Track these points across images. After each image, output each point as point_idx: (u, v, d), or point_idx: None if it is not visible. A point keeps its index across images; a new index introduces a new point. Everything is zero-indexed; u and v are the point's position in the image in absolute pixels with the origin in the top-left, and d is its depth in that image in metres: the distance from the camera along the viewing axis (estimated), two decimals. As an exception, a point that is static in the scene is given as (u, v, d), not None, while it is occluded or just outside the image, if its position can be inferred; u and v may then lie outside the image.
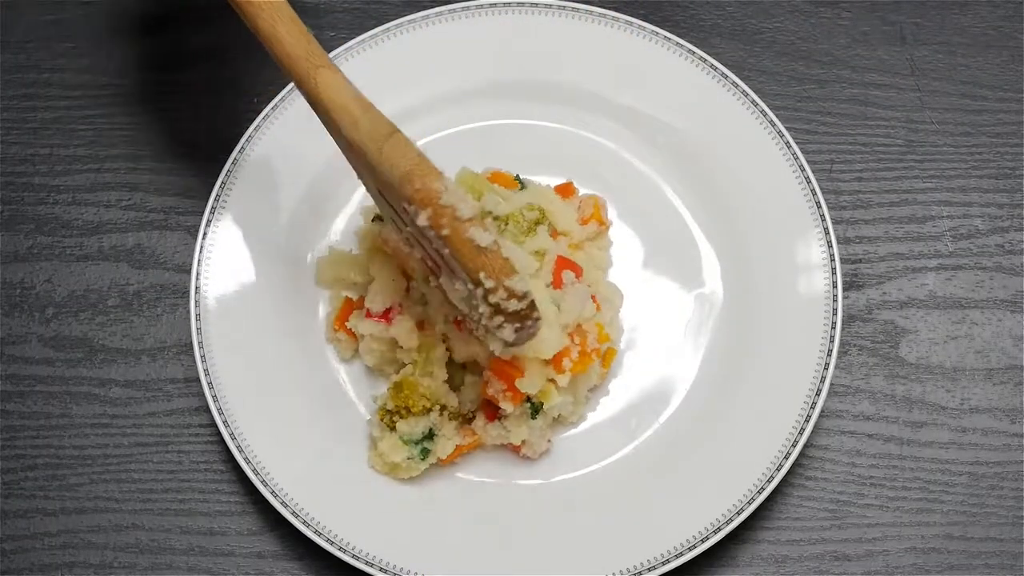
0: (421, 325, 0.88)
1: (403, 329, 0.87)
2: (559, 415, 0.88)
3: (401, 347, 0.88)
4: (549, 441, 0.89)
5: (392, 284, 0.90)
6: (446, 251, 0.75)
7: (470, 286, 0.76)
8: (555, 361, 0.85)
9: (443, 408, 0.86)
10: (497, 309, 0.77)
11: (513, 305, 0.77)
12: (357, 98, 0.78)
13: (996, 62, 1.03)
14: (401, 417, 0.85)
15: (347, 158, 0.83)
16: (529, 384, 0.84)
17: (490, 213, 0.88)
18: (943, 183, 0.99)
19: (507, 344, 0.81)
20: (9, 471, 0.91)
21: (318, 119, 0.97)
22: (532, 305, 0.78)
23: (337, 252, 0.93)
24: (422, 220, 0.74)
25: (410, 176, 0.74)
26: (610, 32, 0.99)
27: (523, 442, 0.87)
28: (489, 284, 0.75)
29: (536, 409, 0.86)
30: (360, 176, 0.84)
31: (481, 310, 0.77)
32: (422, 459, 0.86)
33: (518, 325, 0.78)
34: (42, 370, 0.94)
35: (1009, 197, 0.98)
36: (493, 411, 0.87)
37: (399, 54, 0.99)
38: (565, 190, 0.94)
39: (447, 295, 0.83)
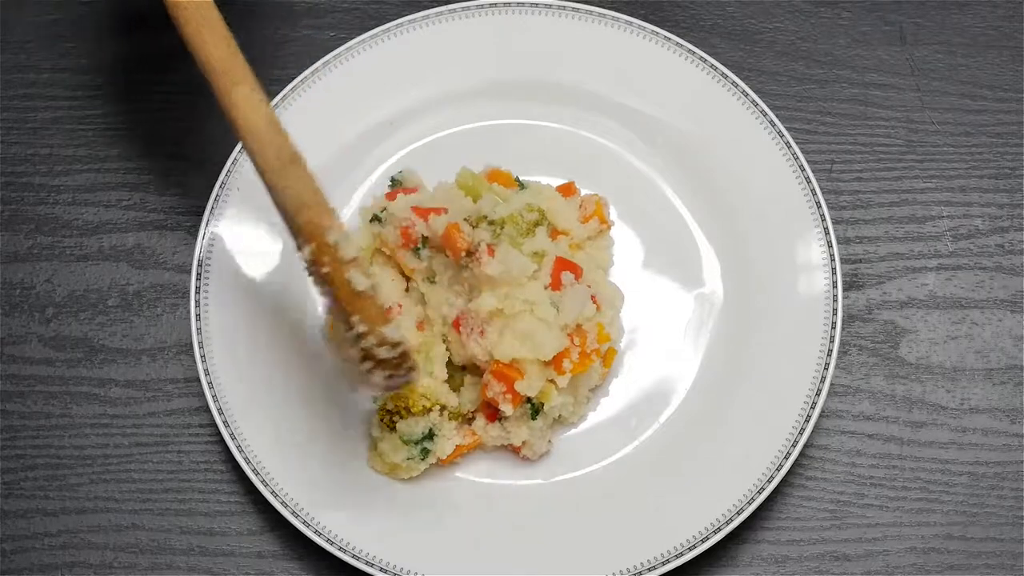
0: (420, 325, 0.88)
1: (404, 329, 0.87)
2: (559, 416, 0.88)
3: None
4: (549, 442, 0.89)
5: (392, 284, 0.90)
6: (326, 288, 0.76)
7: (344, 327, 0.77)
8: (555, 362, 0.85)
9: (443, 408, 0.86)
10: (367, 354, 0.76)
11: (384, 352, 0.76)
12: (269, 122, 0.77)
13: (996, 62, 1.03)
14: (401, 417, 0.85)
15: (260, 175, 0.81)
16: (528, 386, 0.84)
17: (484, 218, 0.88)
18: (943, 183, 0.99)
19: (378, 389, 0.80)
20: (9, 471, 0.91)
21: (317, 119, 0.97)
22: (405, 355, 0.78)
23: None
24: (305, 254, 0.75)
25: (301, 208, 0.75)
26: (610, 32, 0.99)
27: (523, 443, 0.87)
28: (361, 328, 0.75)
29: (536, 410, 0.86)
30: (270, 194, 0.81)
31: (351, 352, 0.77)
32: (422, 459, 0.86)
33: (388, 373, 0.78)
34: (42, 370, 0.94)
35: (1009, 197, 0.98)
36: (493, 412, 0.87)
37: (399, 54, 0.99)
38: (567, 190, 0.94)
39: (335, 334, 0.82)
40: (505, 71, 1.00)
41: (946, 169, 0.99)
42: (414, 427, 0.85)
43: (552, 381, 0.86)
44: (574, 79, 0.99)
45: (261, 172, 0.77)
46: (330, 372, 0.91)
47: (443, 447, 0.86)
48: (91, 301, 0.96)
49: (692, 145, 0.97)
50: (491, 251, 0.86)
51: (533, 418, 0.86)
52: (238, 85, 0.78)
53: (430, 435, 0.86)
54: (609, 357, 0.90)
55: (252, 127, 0.77)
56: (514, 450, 0.88)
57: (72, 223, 0.99)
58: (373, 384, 0.79)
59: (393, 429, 0.86)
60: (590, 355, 0.86)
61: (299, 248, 0.77)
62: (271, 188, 0.77)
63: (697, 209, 0.96)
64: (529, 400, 0.86)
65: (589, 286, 0.88)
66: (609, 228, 0.94)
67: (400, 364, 0.78)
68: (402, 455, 0.85)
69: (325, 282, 0.75)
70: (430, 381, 0.86)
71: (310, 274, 0.78)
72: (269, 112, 0.78)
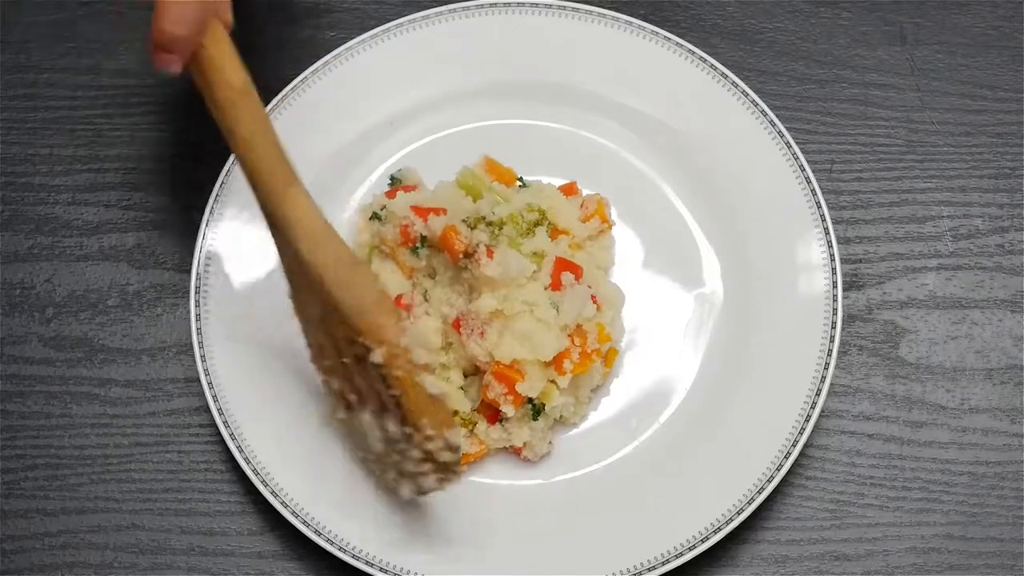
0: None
1: (427, 329, 0.87)
2: (561, 416, 0.88)
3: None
4: (550, 443, 0.88)
5: (394, 277, 0.90)
6: (391, 391, 0.76)
7: (406, 429, 0.77)
8: (556, 363, 0.85)
9: (455, 413, 0.86)
10: (428, 457, 0.77)
11: (446, 456, 0.78)
12: (323, 223, 0.77)
13: (996, 62, 1.03)
14: None
15: (288, 277, 0.81)
16: (529, 387, 0.84)
17: (483, 219, 0.88)
18: (943, 183, 0.99)
19: (417, 491, 0.81)
20: (9, 471, 0.91)
21: (317, 121, 0.97)
22: (459, 460, 0.79)
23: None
24: (376, 357, 0.74)
25: (372, 311, 0.74)
26: (610, 32, 0.99)
27: (524, 444, 0.87)
28: (429, 432, 0.76)
29: (537, 411, 0.86)
30: (295, 295, 0.82)
31: (412, 454, 0.78)
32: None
33: (441, 476, 0.79)
34: (42, 370, 0.94)
35: (1009, 197, 0.98)
36: (494, 414, 0.87)
37: (399, 54, 0.99)
38: (568, 190, 0.94)
39: (359, 428, 0.82)
40: (505, 71, 1.00)
41: (946, 169, 0.99)
42: None
43: (553, 382, 0.86)
44: (574, 79, 0.99)
45: (319, 273, 0.75)
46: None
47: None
48: (91, 301, 0.96)
49: (692, 145, 0.97)
50: (490, 253, 0.86)
51: (534, 419, 0.86)
52: (291, 187, 0.77)
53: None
54: (611, 357, 0.90)
55: (312, 227, 0.76)
56: (515, 451, 0.88)
57: (72, 223, 0.99)
58: (420, 485, 0.80)
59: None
60: (591, 355, 0.86)
61: (346, 351, 0.76)
62: (329, 290, 0.75)
63: (697, 209, 0.96)
64: (530, 401, 0.86)
65: (589, 286, 0.88)
66: (610, 228, 0.94)
67: (453, 468, 0.79)
68: None
69: (393, 386, 0.75)
70: (447, 386, 0.86)
71: (343, 374, 0.78)
72: (322, 215, 0.77)
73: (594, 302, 0.87)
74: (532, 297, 0.85)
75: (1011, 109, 1.01)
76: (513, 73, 1.00)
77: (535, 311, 0.85)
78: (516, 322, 0.85)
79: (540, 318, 0.85)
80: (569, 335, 0.86)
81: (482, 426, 0.87)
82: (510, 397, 0.85)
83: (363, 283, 0.75)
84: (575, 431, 0.90)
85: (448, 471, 0.79)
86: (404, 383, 0.75)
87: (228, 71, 0.77)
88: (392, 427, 0.78)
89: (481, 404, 0.87)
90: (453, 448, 0.78)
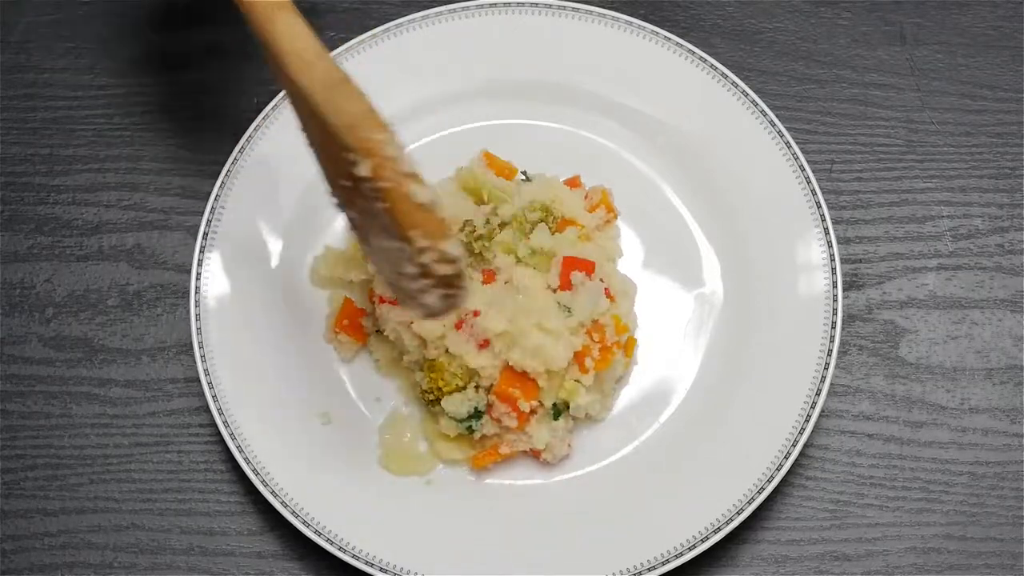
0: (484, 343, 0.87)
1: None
2: (586, 414, 0.88)
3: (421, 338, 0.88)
4: (569, 445, 0.88)
5: None
6: (382, 205, 0.73)
7: (399, 243, 0.73)
8: (577, 362, 0.85)
9: (478, 386, 0.86)
10: (426, 271, 0.73)
11: (443, 269, 0.73)
12: (313, 46, 0.76)
13: (996, 62, 1.03)
14: (436, 397, 0.86)
15: (293, 108, 0.80)
16: (546, 396, 0.85)
17: (488, 221, 0.88)
18: (943, 183, 0.99)
19: (429, 313, 0.77)
20: (9, 471, 0.91)
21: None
22: (460, 274, 0.74)
23: (332, 250, 0.93)
24: (363, 170, 0.72)
25: (355, 125, 0.73)
26: (610, 32, 0.99)
27: (545, 446, 0.87)
28: (422, 243, 0.72)
29: (559, 411, 0.86)
30: (304, 128, 0.81)
31: (409, 270, 0.74)
32: (468, 432, 0.86)
33: (444, 291, 0.75)
34: (42, 370, 0.94)
35: (1009, 197, 0.98)
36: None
37: (399, 54, 0.99)
38: (572, 183, 0.94)
39: (372, 258, 0.80)
40: (505, 71, 1.00)
41: (946, 169, 0.99)
42: (459, 405, 0.85)
43: (578, 381, 0.86)
44: (574, 79, 0.99)
45: (307, 95, 0.75)
46: (331, 372, 0.92)
47: (489, 427, 0.86)
48: (91, 301, 0.96)
49: (692, 145, 0.97)
50: (491, 276, 0.86)
51: (555, 418, 0.86)
52: (281, 10, 0.77)
53: (477, 414, 0.86)
54: (630, 346, 0.90)
55: (297, 50, 0.76)
56: (534, 454, 0.88)
57: (72, 223, 0.99)
58: (427, 305, 0.76)
59: (437, 404, 0.86)
60: (611, 348, 0.86)
61: (346, 173, 0.74)
62: (318, 109, 0.74)
63: (697, 209, 0.96)
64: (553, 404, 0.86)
65: (602, 279, 0.88)
66: (615, 217, 0.94)
67: (456, 283, 0.75)
68: (452, 430, 0.87)
69: (382, 198, 0.72)
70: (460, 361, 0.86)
71: (352, 201, 0.77)
72: (314, 37, 0.77)
73: (607, 295, 0.87)
74: (540, 305, 0.85)
75: (1011, 109, 1.01)
76: (513, 73, 1.00)
77: (543, 323, 0.85)
78: (525, 338, 0.85)
79: (549, 329, 0.85)
80: (587, 332, 0.86)
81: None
82: (514, 414, 0.85)
83: (350, 98, 0.74)
84: (575, 431, 0.90)
85: (450, 286, 0.75)
86: (392, 194, 0.72)
87: None
88: (389, 244, 0.75)
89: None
90: (450, 260, 0.73)
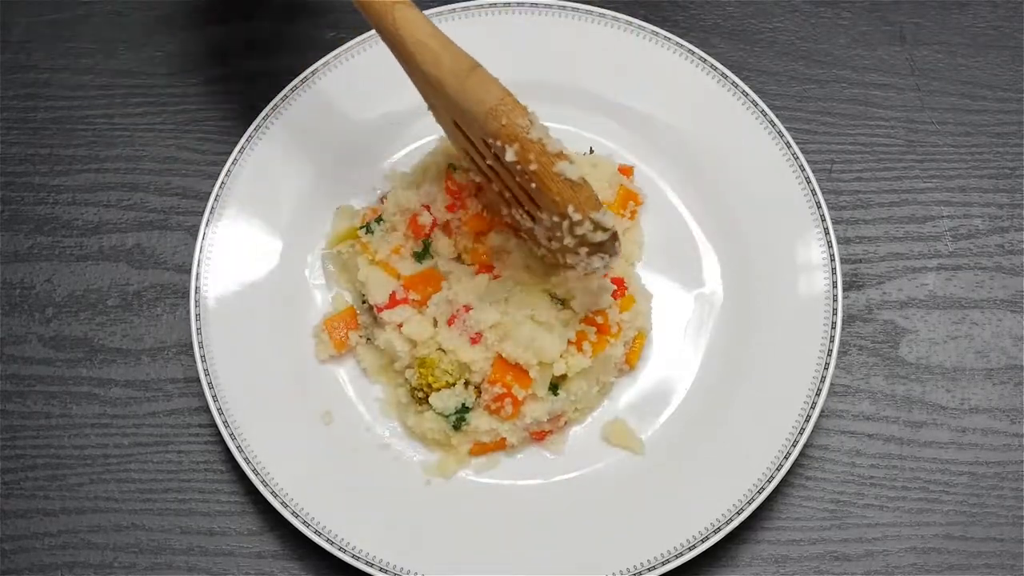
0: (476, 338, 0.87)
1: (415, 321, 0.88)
2: (576, 409, 0.88)
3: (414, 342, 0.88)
4: (566, 423, 0.89)
5: (383, 277, 0.90)
6: (532, 185, 0.76)
7: (555, 219, 0.78)
8: (575, 344, 0.86)
9: (467, 383, 0.87)
10: (582, 241, 0.78)
11: (599, 236, 0.78)
12: (435, 34, 0.78)
13: (996, 62, 1.03)
14: (425, 394, 0.86)
15: (420, 91, 0.83)
16: (537, 387, 0.85)
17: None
18: (943, 183, 0.99)
19: (595, 271, 0.82)
20: (9, 471, 0.91)
21: (317, 119, 0.97)
22: (615, 236, 0.79)
23: (346, 207, 0.95)
24: (510, 155, 0.75)
25: (496, 112, 0.75)
26: (610, 32, 0.99)
27: (547, 435, 0.87)
28: (576, 217, 0.77)
29: (556, 387, 0.86)
30: (432, 108, 0.84)
31: (567, 242, 0.79)
32: (455, 429, 0.87)
33: (602, 255, 0.80)
34: (42, 370, 0.94)
35: (1009, 197, 0.98)
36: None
37: (399, 54, 0.99)
38: (627, 171, 0.96)
39: (520, 227, 0.84)
40: (505, 71, 0.99)
41: (946, 169, 0.99)
42: (447, 400, 0.86)
43: (573, 343, 0.86)
44: (574, 79, 0.99)
45: (440, 84, 0.77)
46: (330, 372, 0.92)
47: (478, 423, 0.86)
48: (91, 301, 0.96)
49: (692, 145, 0.97)
50: (485, 268, 0.87)
51: (555, 393, 0.86)
52: (398, 5, 0.79)
53: (464, 409, 0.86)
54: (635, 353, 0.90)
55: (424, 41, 0.78)
56: (536, 437, 0.88)
57: (72, 223, 0.99)
58: (591, 269, 0.81)
59: (425, 402, 0.87)
60: (610, 328, 0.87)
61: (488, 154, 0.78)
62: (454, 99, 0.77)
63: (697, 209, 0.96)
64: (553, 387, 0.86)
65: (620, 279, 0.89)
66: (637, 216, 0.95)
67: (611, 247, 0.80)
68: (438, 426, 0.87)
69: (531, 179, 0.76)
70: (452, 357, 0.87)
71: (495, 176, 0.80)
72: (434, 27, 0.79)
73: (622, 295, 0.88)
74: (533, 298, 0.85)
75: (1011, 109, 1.01)
76: (513, 73, 0.99)
77: (536, 315, 0.85)
78: (517, 329, 0.85)
79: (541, 321, 0.85)
80: (586, 320, 0.86)
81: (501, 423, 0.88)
82: (509, 400, 0.85)
83: (483, 86, 0.76)
84: (575, 431, 0.90)
85: (605, 250, 0.80)
86: (541, 176, 0.76)
87: None
88: (544, 218, 0.79)
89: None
90: (604, 228, 0.78)
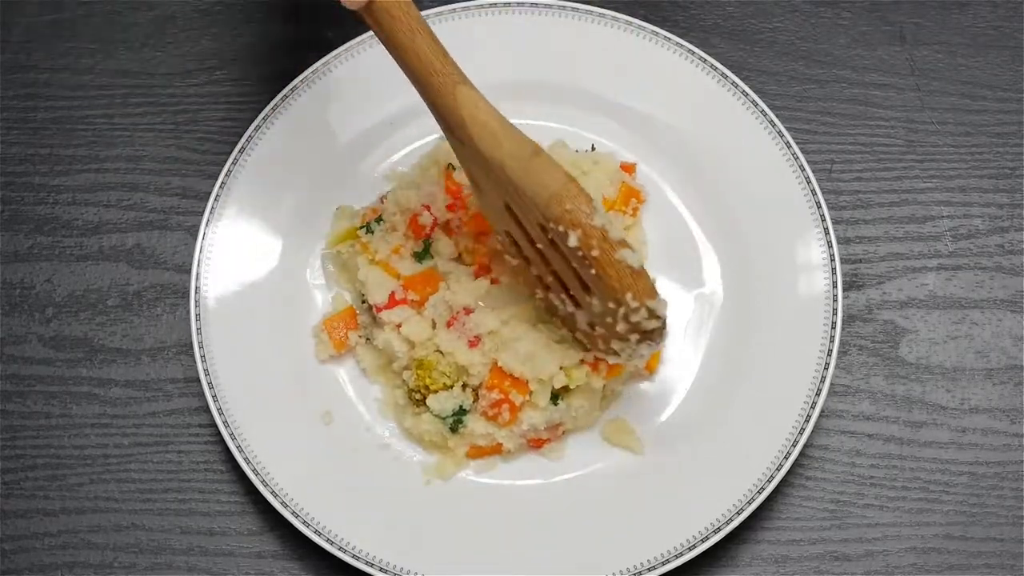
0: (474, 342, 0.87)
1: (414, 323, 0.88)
2: (579, 422, 0.88)
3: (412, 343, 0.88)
4: (564, 432, 0.88)
5: (383, 277, 0.90)
6: (592, 271, 0.77)
7: (610, 305, 0.78)
8: (593, 365, 0.86)
9: (465, 385, 0.87)
10: (635, 327, 0.79)
11: (652, 324, 0.79)
12: (496, 115, 0.79)
13: (996, 62, 1.03)
14: (423, 396, 0.86)
15: (467, 172, 0.83)
16: (537, 400, 0.85)
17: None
18: (943, 183, 0.99)
19: (628, 360, 0.83)
20: (9, 471, 0.91)
21: (317, 119, 0.97)
22: (664, 324, 0.80)
23: (346, 207, 0.95)
24: (572, 241, 0.76)
25: (560, 197, 0.76)
26: (610, 32, 0.99)
27: (544, 443, 0.87)
28: (634, 305, 0.77)
29: (556, 396, 0.86)
30: (477, 190, 0.83)
31: (619, 328, 0.79)
32: (452, 432, 0.86)
33: (651, 343, 0.80)
34: (42, 370, 0.94)
35: (1009, 197, 0.98)
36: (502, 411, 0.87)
37: (399, 54, 0.99)
38: (629, 168, 0.96)
39: (562, 311, 0.84)
40: (505, 71, 1.00)
41: (946, 169, 0.99)
42: (444, 402, 0.86)
43: (585, 362, 0.86)
44: (574, 79, 0.99)
45: (501, 167, 0.77)
46: (330, 372, 0.92)
47: (474, 427, 0.86)
48: (91, 301, 0.96)
49: (692, 145, 0.97)
50: (484, 270, 0.88)
51: (555, 403, 0.86)
52: (460, 85, 0.79)
53: (461, 412, 0.86)
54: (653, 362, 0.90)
55: (485, 124, 0.78)
56: (534, 444, 0.88)
57: (72, 223, 0.99)
58: (637, 354, 0.82)
59: (422, 404, 0.87)
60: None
61: (539, 238, 0.78)
62: (515, 183, 0.77)
63: (697, 209, 0.96)
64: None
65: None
66: (638, 215, 0.95)
67: (660, 335, 0.80)
68: (435, 428, 0.86)
69: (591, 265, 0.77)
70: (450, 359, 0.87)
71: (538, 260, 0.81)
72: (494, 108, 0.79)
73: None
74: (534, 315, 0.86)
75: (1011, 109, 1.01)
76: (513, 73, 1.00)
77: (539, 327, 0.85)
78: (517, 342, 0.85)
79: (541, 337, 0.85)
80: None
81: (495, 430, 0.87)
82: (506, 406, 0.85)
83: (546, 171, 0.77)
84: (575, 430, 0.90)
85: (654, 338, 0.80)
86: (602, 263, 0.76)
87: None
88: (597, 304, 0.79)
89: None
90: (657, 316, 0.79)
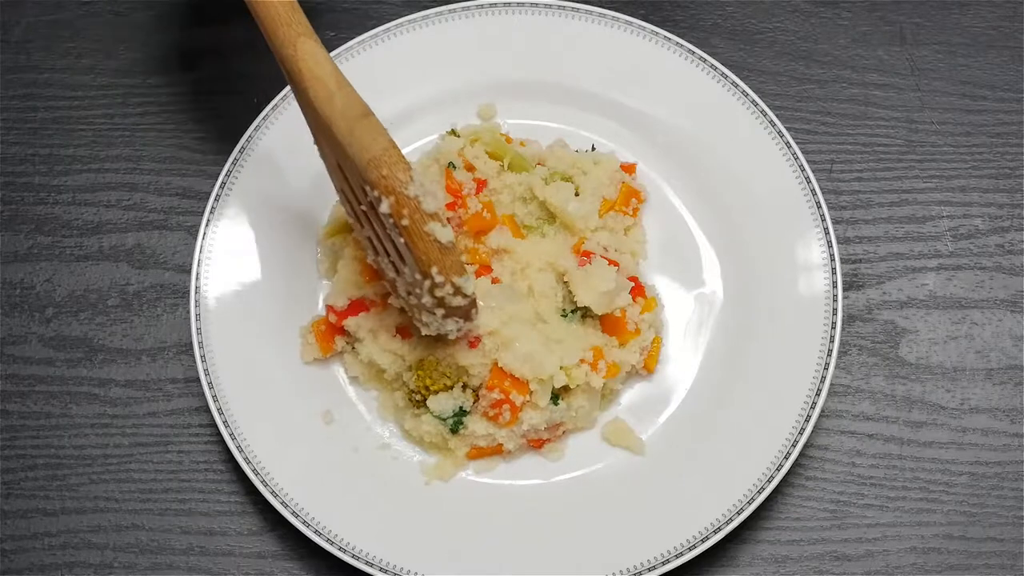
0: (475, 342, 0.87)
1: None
2: (579, 423, 0.88)
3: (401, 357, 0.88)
4: (564, 432, 0.88)
5: (357, 279, 0.90)
6: (401, 240, 0.76)
7: (417, 276, 0.78)
8: (592, 364, 0.86)
9: (465, 386, 0.87)
10: (441, 302, 0.79)
11: (457, 301, 0.79)
12: (334, 73, 0.78)
13: (996, 62, 1.03)
14: (423, 396, 0.86)
15: (309, 125, 0.82)
16: (537, 399, 0.85)
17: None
18: (943, 183, 0.99)
19: (436, 332, 0.83)
20: (9, 471, 0.91)
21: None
22: (473, 303, 0.80)
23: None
24: (384, 208, 0.75)
25: (378, 162, 0.75)
26: (610, 32, 0.99)
27: (545, 443, 0.87)
28: (439, 279, 0.77)
29: (556, 397, 0.86)
30: (317, 144, 0.83)
31: (424, 300, 0.79)
32: (452, 432, 0.86)
33: (458, 319, 0.81)
34: (42, 370, 0.94)
35: (1009, 197, 0.98)
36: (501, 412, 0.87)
37: (399, 54, 0.99)
38: (629, 169, 0.96)
39: (385, 275, 0.84)
40: (505, 71, 1.00)
41: (946, 169, 0.99)
42: (444, 403, 0.86)
43: (585, 362, 0.86)
44: (574, 79, 0.99)
45: (329, 124, 0.77)
46: (330, 372, 0.92)
47: (475, 428, 0.86)
48: (91, 301, 0.96)
49: (692, 145, 0.97)
50: (485, 270, 0.88)
51: (555, 403, 0.86)
52: (303, 36, 0.78)
53: (462, 413, 0.86)
54: (656, 349, 0.90)
55: (321, 77, 0.77)
56: (533, 445, 0.88)
57: (72, 223, 0.99)
58: (444, 330, 0.82)
59: (423, 405, 0.87)
60: (626, 326, 0.87)
61: (362, 200, 0.78)
62: (340, 141, 0.76)
63: (697, 209, 0.96)
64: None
65: (629, 278, 0.89)
66: (639, 213, 0.95)
67: (467, 313, 0.81)
68: (435, 429, 0.87)
69: (401, 235, 0.76)
70: (450, 361, 0.87)
71: (367, 221, 0.80)
72: (334, 65, 0.78)
73: (641, 294, 0.89)
74: (538, 309, 0.86)
75: (1011, 109, 1.01)
76: (513, 73, 1.00)
77: (538, 327, 0.85)
78: (517, 342, 0.85)
79: (541, 336, 0.85)
80: (607, 325, 0.87)
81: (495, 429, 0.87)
82: (507, 406, 0.85)
83: (370, 134, 0.76)
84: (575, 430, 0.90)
85: (460, 315, 0.81)
86: (411, 233, 0.76)
87: None
88: (408, 273, 0.79)
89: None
90: (463, 294, 0.78)
